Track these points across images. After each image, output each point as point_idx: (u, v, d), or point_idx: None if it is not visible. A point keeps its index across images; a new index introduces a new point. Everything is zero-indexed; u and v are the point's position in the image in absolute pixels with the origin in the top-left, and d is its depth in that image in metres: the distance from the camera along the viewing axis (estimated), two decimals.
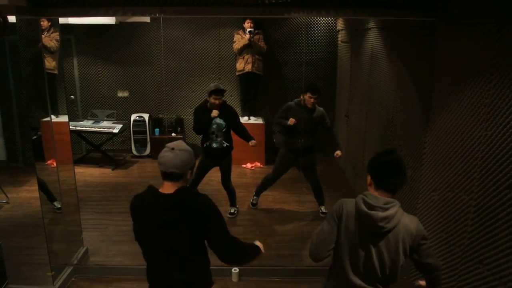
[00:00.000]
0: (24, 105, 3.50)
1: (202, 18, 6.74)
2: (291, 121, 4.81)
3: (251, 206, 5.44)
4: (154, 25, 7.03)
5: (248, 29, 6.45)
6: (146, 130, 7.22)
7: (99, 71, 7.35)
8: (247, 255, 2.48)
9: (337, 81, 7.24)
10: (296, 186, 5.86)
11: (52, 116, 3.81)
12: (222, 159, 4.88)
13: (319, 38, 7.22)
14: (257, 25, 6.60)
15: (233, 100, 7.40)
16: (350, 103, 6.34)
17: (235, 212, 5.22)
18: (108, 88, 7.43)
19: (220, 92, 4.57)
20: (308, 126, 4.82)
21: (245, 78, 6.85)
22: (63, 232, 4.03)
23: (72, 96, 7.16)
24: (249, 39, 6.48)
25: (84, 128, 6.79)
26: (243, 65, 6.72)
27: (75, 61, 7.26)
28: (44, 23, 4.96)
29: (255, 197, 5.45)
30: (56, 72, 5.44)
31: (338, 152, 5.03)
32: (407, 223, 2.07)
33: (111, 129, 6.73)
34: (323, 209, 5.21)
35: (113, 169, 6.82)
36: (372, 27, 5.05)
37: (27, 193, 3.64)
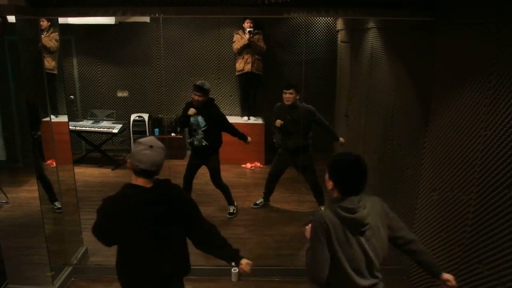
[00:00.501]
0: (23, 105, 3.49)
1: (202, 18, 6.74)
2: (278, 122, 4.87)
3: (253, 205, 5.44)
4: (154, 25, 7.03)
5: (248, 29, 6.45)
6: (145, 130, 7.21)
7: (98, 71, 7.35)
8: (223, 241, 2.47)
9: (336, 81, 7.24)
10: (295, 186, 5.87)
11: (52, 116, 3.81)
12: (206, 158, 4.86)
13: (318, 38, 7.22)
14: (256, 25, 6.60)
15: (232, 100, 7.40)
16: (349, 103, 6.34)
17: (234, 211, 5.20)
18: (107, 88, 7.43)
19: (198, 88, 4.57)
20: (294, 126, 4.84)
21: (245, 78, 6.85)
22: (63, 232, 4.03)
23: (72, 96, 7.16)
24: (249, 39, 6.48)
25: (83, 128, 6.79)
26: (242, 65, 6.72)
27: (74, 61, 7.26)
28: (44, 23, 4.96)
29: (262, 200, 5.48)
30: (55, 72, 5.44)
31: (342, 139, 5.14)
32: (374, 206, 2.12)
33: (110, 129, 6.73)
34: (323, 209, 5.21)
35: (112, 169, 6.82)
36: (372, 27, 5.05)
37: (27, 193, 3.64)
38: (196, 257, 4.24)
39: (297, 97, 4.86)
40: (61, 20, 4.76)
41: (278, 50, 7.20)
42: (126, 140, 7.44)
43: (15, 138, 4.02)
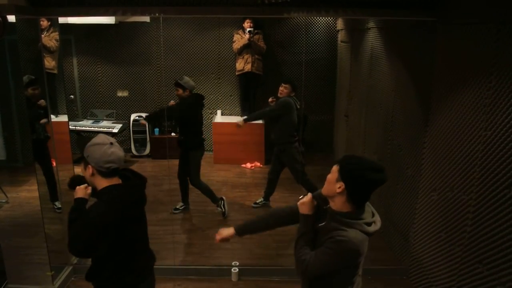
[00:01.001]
0: (23, 105, 3.50)
1: (202, 18, 6.74)
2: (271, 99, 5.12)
3: (253, 204, 5.46)
4: (154, 25, 7.03)
5: (248, 29, 6.45)
6: (145, 130, 7.21)
7: (98, 70, 7.34)
8: None
9: (336, 81, 7.24)
10: (295, 185, 5.85)
11: (52, 116, 3.81)
12: (184, 153, 4.97)
13: (318, 38, 7.22)
14: (256, 25, 6.60)
15: (233, 100, 7.40)
16: (349, 103, 6.34)
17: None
18: (107, 88, 7.43)
19: (175, 84, 4.76)
20: (274, 119, 5.03)
21: (245, 78, 6.85)
22: (63, 232, 4.03)
23: (72, 96, 7.16)
24: (249, 39, 6.47)
25: (83, 127, 6.79)
26: (242, 65, 6.72)
27: (74, 61, 7.26)
28: (44, 23, 4.95)
29: (262, 199, 5.49)
30: (55, 71, 5.44)
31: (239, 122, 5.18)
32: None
33: (110, 129, 6.73)
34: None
35: None
36: (372, 27, 5.05)
37: (27, 193, 3.64)
38: (196, 257, 4.27)
39: (292, 94, 4.96)
40: (61, 19, 4.76)
41: (278, 50, 7.20)
42: (126, 140, 7.44)
43: (15, 137, 4.02)
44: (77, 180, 2.26)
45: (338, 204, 1.94)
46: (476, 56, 2.78)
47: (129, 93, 7.46)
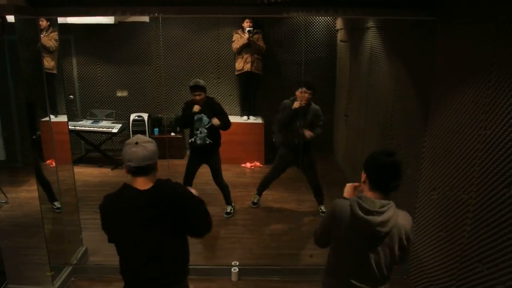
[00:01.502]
0: (23, 105, 3.49)
1: (201, 17, 6.74)
2: (297, 104, 4.69)
3: (252, 205, 5.44)
4: (153, 25, 7.02)
5: (247, 29, 6.45)
6: (145, 130, 7.21)
7: (98, 70, 7.34)
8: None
9: (336, 81, 7.25)
10: (295, 185, 5.87)
11: (51, 116, 3.81)
12: (208, 157, 4.84)
13: (318, 38, 7.22)
14: (256, 24, 6.60)
15: (232, 99, 7.40)
16: (349, 103, 6.34)
17: (231, 211, 5.20)
18: (107, 88, 7.43)
19: (196, 88, 4.50)
20: (303, 124, 4.78)
21: (244, 78, 6.85)
22: (63, 232, 4.03)
23: (71, 96, 7.16)
24: (248, 39, 6.47)
25: (83, 127, 6.78)
26: (242, 64, 6.72)
27: (74, 61, 7.26)
28: (43, 23, 4.95)
29: (256, 196, 5.45)
30: (55, 72, 5.43)
31: (309, 133, 4.85)
32: (401, 222, 2.06)
33: (110, 129, 6.73)
34: (323, 208, 5.21)
35: (112, 169, 6.81)
36: (371, 27, 5.05)
37: (27, 193, 3.64)
38: (196, 257, 4.27)
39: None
40: (60, 20, 4.76)
41: (277, 49, 7.20)
42: (126, 140, 7.42)
43: (14, 138, 4.01)
44: None
45: (365, 194, 2.13)
46: (476, 55, 2.78)
47: (128, 93, 7.46)
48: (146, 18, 6.93)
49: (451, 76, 3.12)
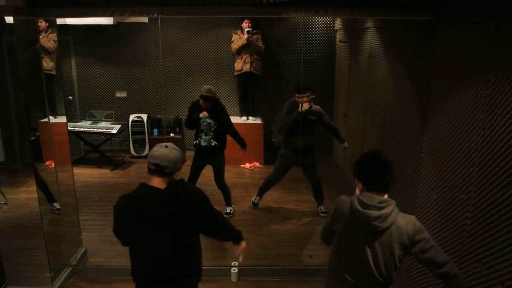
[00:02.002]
0: (22, 106, 3.49)
1: (200, 18, 6.74)
2: (306, 106, 4.66)
3: (252, 205, 5.44)
4: (152, 25, 7.03)
5: (246, 29, 6.45)
6: (144, 131, 7.21)
7: (97, 71, 7.34)
8: (234, 231, 2.62)
9: (335, 81, 7.25)
10: (295, 185, 5.87)
11: (50, 117, 3.80)
12: (213, 158, 4.87)
13: (317, 38, 7.22)
14: (255, 25, 6.60)
15: (231, 100, 7.40)
16: (348, 103, 6.35)
17: (231, 211, 5.21)
18: (106, 89, 7.43)
19: (206, 98, 4.56)
20: (305, 125, 4.78)
21: (244, 78, 6.85)
22: (62, 233, 4.03)
23: (70, 97, 7.15)
24: (247, 39, 6.48)
25: (82, 128, 6.78)
26: (241, 65, 6.72)
27: (73, 62, 7.25)
28: (42, 24, 4.95)
29: (257, 197, 5.45)
30: (54, 72, 5.43)
31: (345, 144, 5.21)
32: (402, 223, 2.07)
33: (109, 130, 6.72)
34: (322, 208, 5.21)
35: (111, 170, 6.81)
36: (370, 27, 5.06)
37: (26, 194, 3.64)
38: None
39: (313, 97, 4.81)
40: (59, 20, 4.75)
41: (276, 50, 7.21)
42: (125, 141, 7.43)
43: (13, 139, 4.01)
44: None
45: None
46: (475, 55, 2.78)
47: (127, 94, 7.46)
48: (145, 19, 6.93)
49: (450, 76, 3.12)
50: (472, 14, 2.82)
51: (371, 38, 5.05)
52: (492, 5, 2.59)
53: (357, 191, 2.19)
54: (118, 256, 4.18)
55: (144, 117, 7.21)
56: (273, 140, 6.92)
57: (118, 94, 7.46)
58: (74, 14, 3.54)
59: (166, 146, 2.24)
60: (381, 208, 2.03)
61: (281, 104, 5.04)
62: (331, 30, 7.18)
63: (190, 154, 7.08)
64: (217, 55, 7.25)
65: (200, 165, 4.94)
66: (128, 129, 7.18)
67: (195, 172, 4.93)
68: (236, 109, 7.40)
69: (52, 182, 3.98)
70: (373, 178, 2.11)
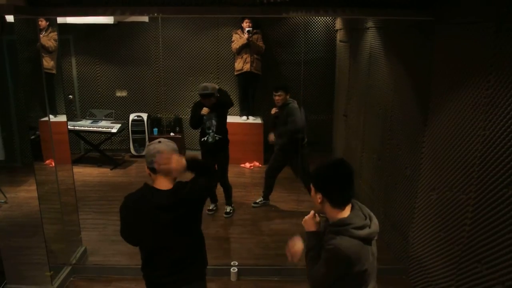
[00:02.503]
0: (22, 104, 3.49)
1: (201, 17, 6.74)
2: (273, 110, 5.17)
3: (253, 204, 5.46)
4: (153, 25, 7.02)
5: (247, 29, 6.45)
6: (144, 130, 7.21)
7: (97, 70, 7.34)
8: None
9: (335, 81, 7.24)
10: (294, 185, 5.87)
11: (51, 116, 3.81)
12: (218, 153, 4.89)
13: (317, 38, 7.22)
14: (255, 24, 6.60)
15: (231, 99, 7.38)
16: (348, 103, 6.34)
17: (231, 211, 5.22)
18: (106, 88, 7.43)
19: (203, 96, 4.57)
20: (279, 124, 5.04)
21: (244, 78, 6.85)
22: (62, 232, 4.03)
23: (71, 96, 7.15)
24: (248, 39, 6.48)
25: (82, 127, 6.78)
26: (241, 64, 6.72)
27: (73, 61, 7.25)
28: (42, 23, 4.93)
29: (262, 198, 5.49)
30: (54, 71, 5.41)
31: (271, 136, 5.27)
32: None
33: (109, 129, 6.72)
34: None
35: (111, 169, 6.81)
36: (371, 27, 5.05)
37: (26, 193, 3.64)
38: None
39: (287, 97, 5.00)
40: (60, 19, 4.75)
41: (277, 49, 7.20)
42: (125, 140, 7.43)
43: (13, 137, 4.01)
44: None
45: (329, 214, 1.99)
46: (475, 55, 2.78)
47: (128, 93, 7.46)
48: (145, 18, 6.93)
49: (450, 76, 3.12)
50: (472, 14, 2.82)
51: (371, 38, 5.05)
52: (492, 5, 2.59)
53: (318, 207, 2.01)
54: (118, 255, 4.19)
55: (144, 116, 7.21)
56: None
57: (118, 93, 7.46)
58: (74, 13, 3.54)
59: (160, 142, 2.24)
60: (370, 218, 1.95)
61: None
62: (331, 30, 7.18)
63: (190, 153, 7.11)
64: (217, 54, 7.25)
65: (210, 162, 4.93)
66: (128, 128, 7.18)
67: None
68: (236, 108, 7.39)
69: (52, 181, 3.99)
70: (345, 190, 1.92)
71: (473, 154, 2.81)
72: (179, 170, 2.23)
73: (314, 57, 7.20)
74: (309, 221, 2.13)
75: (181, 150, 7.18)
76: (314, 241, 2.08)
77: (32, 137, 3.95)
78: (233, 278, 3.92)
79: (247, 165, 6.95)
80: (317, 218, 2.12)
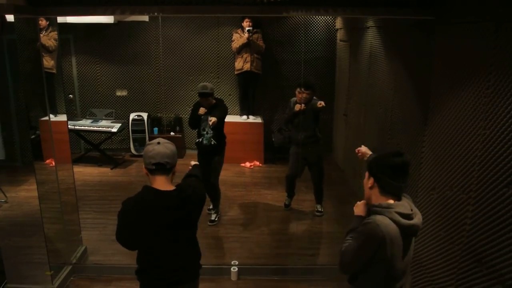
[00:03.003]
0: (22, 104, 3.49)
1: (201, 17, 6.74)
2: (297, 106, 4.79)
3: (284, 207, 5.41)
4: (153, 24, 7.02)
5: (247, 28, 6.45)
6: (144, 129, 7.21)
7: (97, 70, 7.34)
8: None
9: (335, 80, 7.25)
10: (295, 185, 5.86)
11: (51, 115, 3.81)
12: (212, 157, 4.86)
13: (317, 37, 7.22)
14: (255, 24, 6.60)
15: (232, 99, 7.40)
16: (348, 102, 6.34)
17: (216, 219, 5.02)
18: (106, 87, 7.43)
19: (202, 95, 4.54)
20: (304, 120, 4.85)
21: (244, 77, 6.85)
22: (62, 231, 4.03)
23: (71, 95, 7.16)
24: (248, 38, 6.47)
25: (82, 127, 6.78)
26: (241, 64, 6.72)
27: (73, 60, 7.25)
28: (42, 22, 4.93)
29: (288, 198, 5.43)
30: (54, 71, 5.41)
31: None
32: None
33: (109, 128, 6.72)
34: (319, 207, 5.21)
35: (112, 168, 6.81)
36: (371, 26, 5.05)
37: (26, 193, 3.64)
38: None
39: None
40: (60, 19, 4.75)
41: (277, 49, 7.20)
42: (125, 139, 7.43)
43: (14, 137, 4.01)
44: None
45: (375, 201, 2.03)
46: (475, 54, 2.78)
47: (128, 93, 7.46)
48: (145, 18, 6.93)
49: (450, 75, 3.12)
50: (473, 13, 2.81)
51: (371, 38, 5.05)
52: (492, 5, 2.59)
53: (367, 192, 2.06)
54: (118, 254, 4.19)
55: (145, 115, 7.21)
56: (273, 139, 6.92)
57: (118, 93, 7.46)
58: (74, 13, 3.54)
59: (158, 143, 2.24)
60: (416, 212, 1.98)
61: (282, 104, 5.05)
62: (331, 29, 7.18)
63: (190, 153, 7.12)
64: (218, 54, 7.25)
65: (205, 164, 4.90)
66: (129, 128, 7.18)
67: (204, 172, 4.90)
68: (237, 108, 7.40)
69: (52, 181, 3.99)
70: (396, 180, 1.96)
71: (473, 153, 2.81)
72: None
73: (314, 57, 7.20)
74: (361, 206, 2.19)
75: (181, 150, 7.18)
76: (358, 224, 2.10)
77: (33, 136, 3.95)
78: (233, 277, 3.92)
79: (247, 164, 6.95)
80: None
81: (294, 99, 4.93)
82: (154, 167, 2.20)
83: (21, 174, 4.08)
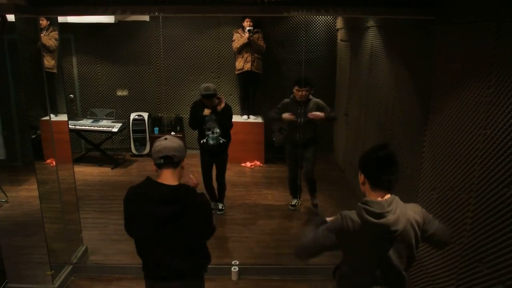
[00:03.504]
0: (23, 104, 3.49)
1: (202, 17, 6.74)
2: (285, 116, 4.80)
3: (290, 207, 5.41)
4: (153, 24, 7.03)
5: (247, 28, 6.45)
6: (145, 129, 7.22)
7: (98, 70, 7.34)
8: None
9: (336, 80, 7.24)
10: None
11: (51, 115, 3.81)
12: (219, 155, 4.91)
13: (318, 37, 7.22)
14: (256, 23, 6.60)
15: (232, 99, 7.40)
16: (349, 102, 6.34)
17: (223, 208, 5.25)
18: (107, 87, 7.43)
19: (207, 96, 4.56)
20: (303, 120, 4.82)
21: (244, 77, 6.85)
22: (63, 231, 4.03)
23: (72, 95, 7.15)
24: (248, 38, 6.47)
25: (83, 127, 6.78)
26: (242, 64, 6.72)
27: (74, 60, 7.26)
28: (43, 22, 4.95)
29: (294, 199, 5.42)
30: (55, 71, 5.43)
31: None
32: (412, 215, 2.00)
33: (110, 128, 6.73)
34: (314, 201, 5.22)
35: (112, 168, 6.82)
36: (372, 26, 5.05)
37: (27, 192, 3.65)
38: None
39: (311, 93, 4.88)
40: (61, 19, 4.76)
41: (277, 48, 7.20)
42: (126, 139, 7.44)
43: (14, 137, 4.02)
44: None
45: (368, 196, 2.04)
46: (476, 54, 2.78)
47: (128, 92, 7.46)
48: (146, 17, 6.93)
49: (451, 75, 3.12)
50: (473, 13, 2.81)
51: (372, 37, 5.05)
52: (493, 4, 2.58)
53: (361, 189, 2.08)
54: (119, 254, 4.19)
55: (145, 115, 7.21)
56: (273, 139, 6.92)
57: (119, 93, 7.46)
58: (75, 12, 3.54)
59: (166, 138, 2.29)
60: (394, 212, 1.93)
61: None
62: (332, 29, 7.18)
63: (190, 153, 7.11)
64: (218, 53, 7.25)
65: (210, 163, 4.98)
66: (129, 128, 7.19)
67: (207, 170, 4.99)
68: (237, 108, 7.39)
69: (53, 180, 3.99)
70: (381, 173, 1.98)
71: (474, 153, 2.81)
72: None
73: (315, 56, 7.20)
74: None
75: None
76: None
77: (33, 136, 3.96)
78: (234, 277, 3.93)
79: (248, 164, 6.95)
80: None
81: (286, 100, 4.94)
82: (162, 160, 2.23)
83: (21, 173, 4.09)
